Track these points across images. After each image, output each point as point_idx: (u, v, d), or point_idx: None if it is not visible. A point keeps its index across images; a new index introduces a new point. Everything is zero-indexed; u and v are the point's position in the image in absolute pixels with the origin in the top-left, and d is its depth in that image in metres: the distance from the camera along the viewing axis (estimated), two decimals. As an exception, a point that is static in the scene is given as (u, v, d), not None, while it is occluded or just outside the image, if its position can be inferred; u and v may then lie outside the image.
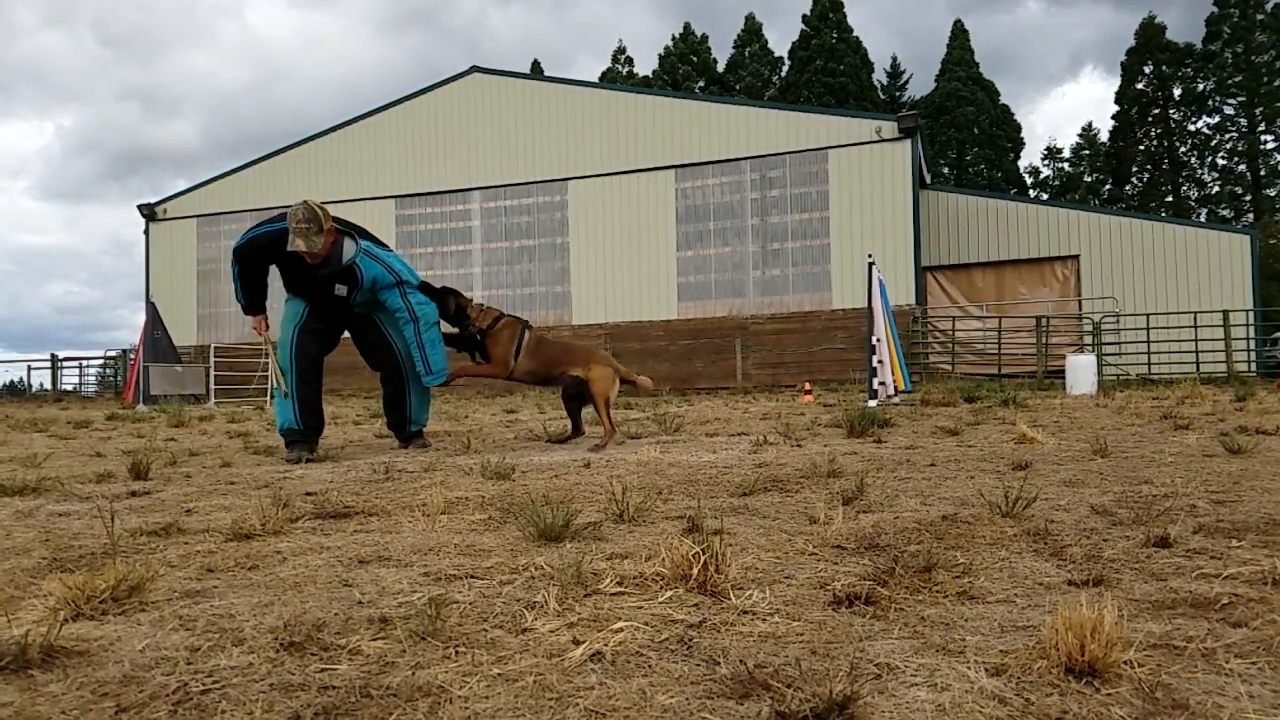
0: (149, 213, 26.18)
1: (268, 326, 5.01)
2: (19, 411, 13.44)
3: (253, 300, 4.91)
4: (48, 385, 27.11)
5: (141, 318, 19.46)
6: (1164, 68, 45.89)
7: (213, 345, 18.70)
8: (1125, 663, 1.20)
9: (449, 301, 5.08)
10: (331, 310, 4.92)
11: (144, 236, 26.27)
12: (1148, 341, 18.14)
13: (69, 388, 27.50)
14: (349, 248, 4.74)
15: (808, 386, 12.23)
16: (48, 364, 27.13)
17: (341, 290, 4.78)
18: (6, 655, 1.26)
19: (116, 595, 1.57)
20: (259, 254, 4.77)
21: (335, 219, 4.68)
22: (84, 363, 28.43)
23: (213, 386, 16.66)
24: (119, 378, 25.87)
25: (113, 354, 27.74)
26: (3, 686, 1.20)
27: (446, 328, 5.09)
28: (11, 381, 32.57)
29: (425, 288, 4.98)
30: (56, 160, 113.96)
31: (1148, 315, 18.32)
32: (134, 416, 10.23)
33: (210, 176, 25.95)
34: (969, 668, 1.21)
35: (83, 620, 1.50)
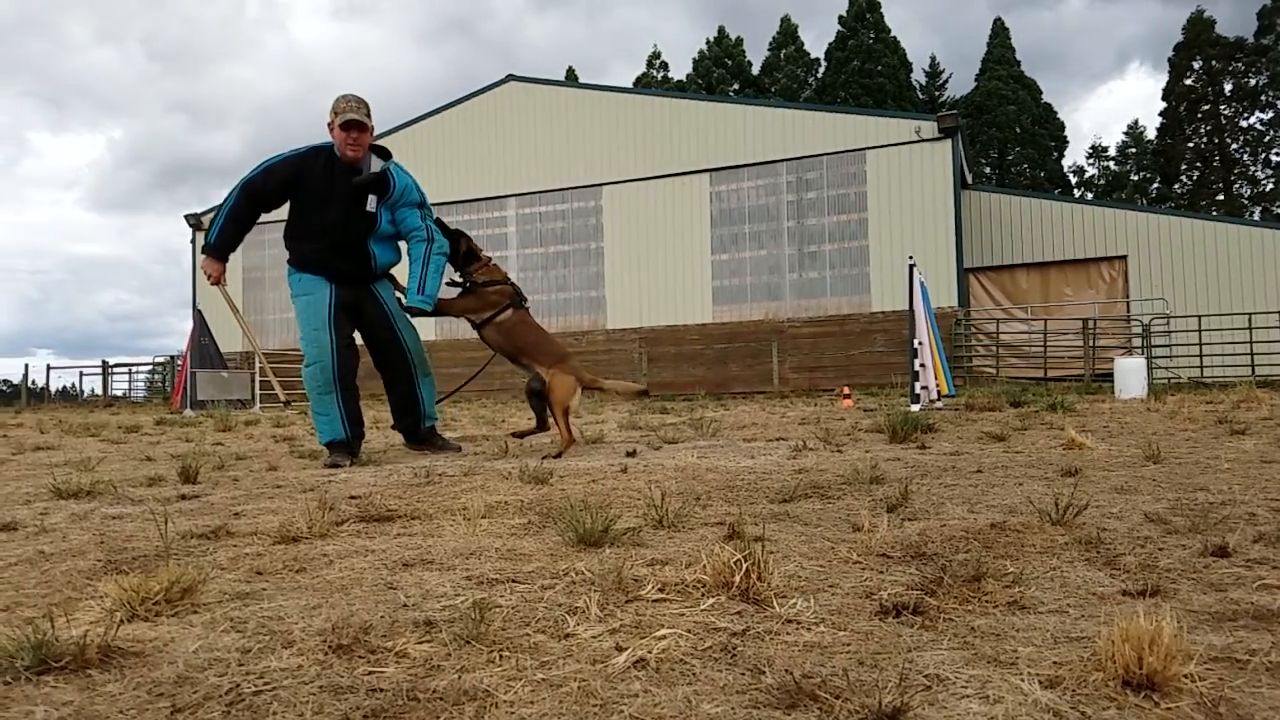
0: (195, 222, 26.70)
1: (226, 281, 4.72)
2: (71, 416, 13.79)
3: (229, 243, 4.58)
4: (99, 391, 27.77)
5: (189, 325, 19.87)
6: (1214, 63, 44.88)
7: (258, 352, 18.99)
8: (1185, 676, 1.17)
9: (460, 243, 4.97)
10: (353, 263, 4.70)
11: (190, 246, 26.81)
12: (1199, 344, 17.71)
13: (119, 393, 28.15)
14: (376, 162, 4.70)
15: (846, 390, 12.12)
16: (99, 370, 27.80)
17: (371, 204, 4.62)
18: (66, 655, 1.28)
19: (170, 597, 1.60)
20: (277, 185, 4.55)
21: None
22: (133, 369, 29.10)
23: (258, 391, 16.93)
24: (167, 383, 26.43)
25: (161, 360, 28.38)
26: (63, 686, 1.22)
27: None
28: (64, 387, 33.45)
29: (440, 224, 4.92)
30: (107, 172, 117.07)
31: (1199, 317, 17.89)
32: (182, 421, 10.44)
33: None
34: (1022, 679, 1.19)
35: (138, 621, 1.53)
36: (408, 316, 4.94)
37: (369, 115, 4.54)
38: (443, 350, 19.80)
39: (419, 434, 5.11)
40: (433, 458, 4.76)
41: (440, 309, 4.90)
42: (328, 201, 4.59)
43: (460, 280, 5.04)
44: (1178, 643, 1.19)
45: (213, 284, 4.69)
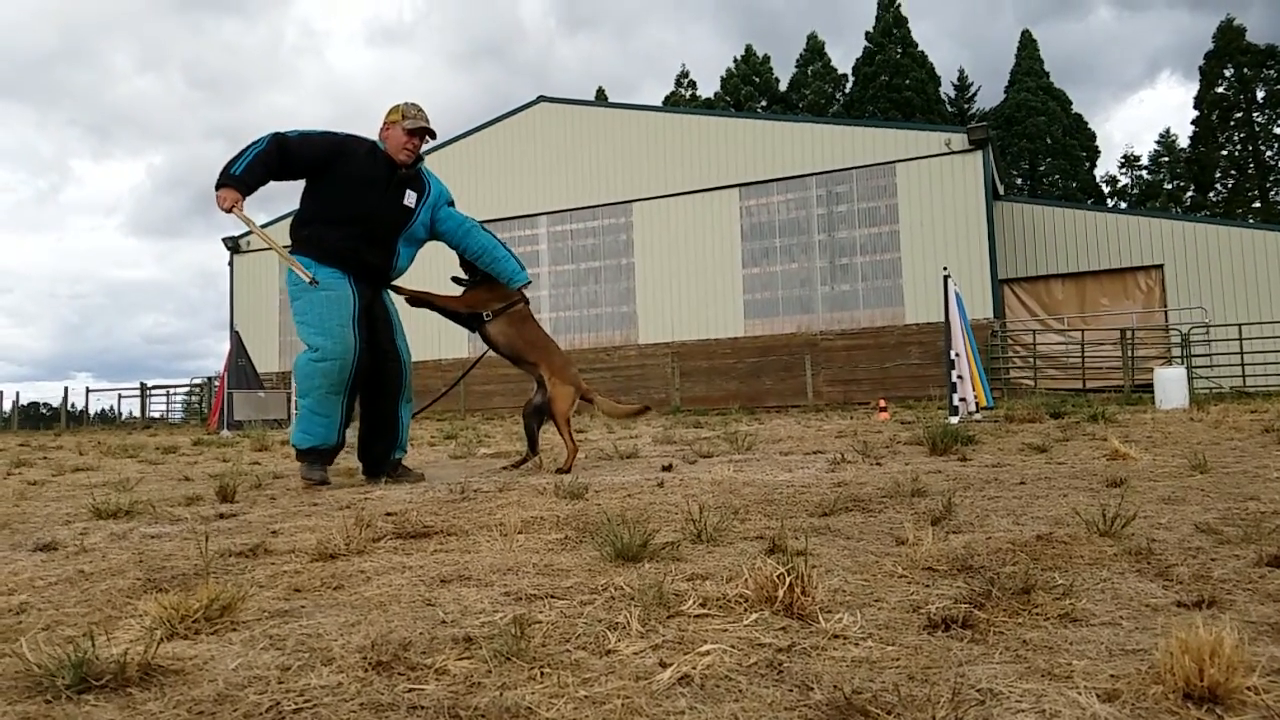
0: (233, 245, 27.19)
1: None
2: (110, 438, 14.02)
3: (255, 180, 4.22)
4: (136, 413, 28.22)
5: (226, 346, 20.17)
6: (1245, 70, 44.23)
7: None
8: (1249, 688, 1.12)
9: None
10: (380, 258, 4.53)
11: (228, 268, 27.28)
12: (1240, 353, 17.36)
13: (156, 415, 28.62)
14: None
15: (883, 403, 11.99)
16: (137, 392, 28.26)
17: (410, 199, 4.54)
18: (106, 674, 1.28)
19: (209, 615, 1.60)
20: (311, 154, 4.33)
21: None
22: (171, 390, 29.57)
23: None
24: (204, 405, 26.82)
25: (198, 382, 28.81)
26: (103, 704, 1.22)
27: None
28: (102, 410, 33.97)
29: None
30: (147, 198, 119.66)
31: (1239, 325, 17.54)
32: (219, 441, 10.57)
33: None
34: (1078, 693, 1.15)
35: (177, 639, 1.53)
36: (465, 236, 4.75)
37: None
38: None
39: (386, 464, 4.58)
40: (470, 474, 4.75)
41: (453, 308, 4.89)
42: (367, 188, 4.42)
43: (466, 279, 4.99)
44: (1239, 654, 1.15)
45: (227, 209, 4.17)
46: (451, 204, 4.83)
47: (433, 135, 4.59)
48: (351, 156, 4.41)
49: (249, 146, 4.24)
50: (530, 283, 4.82)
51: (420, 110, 4.54)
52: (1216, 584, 1.74)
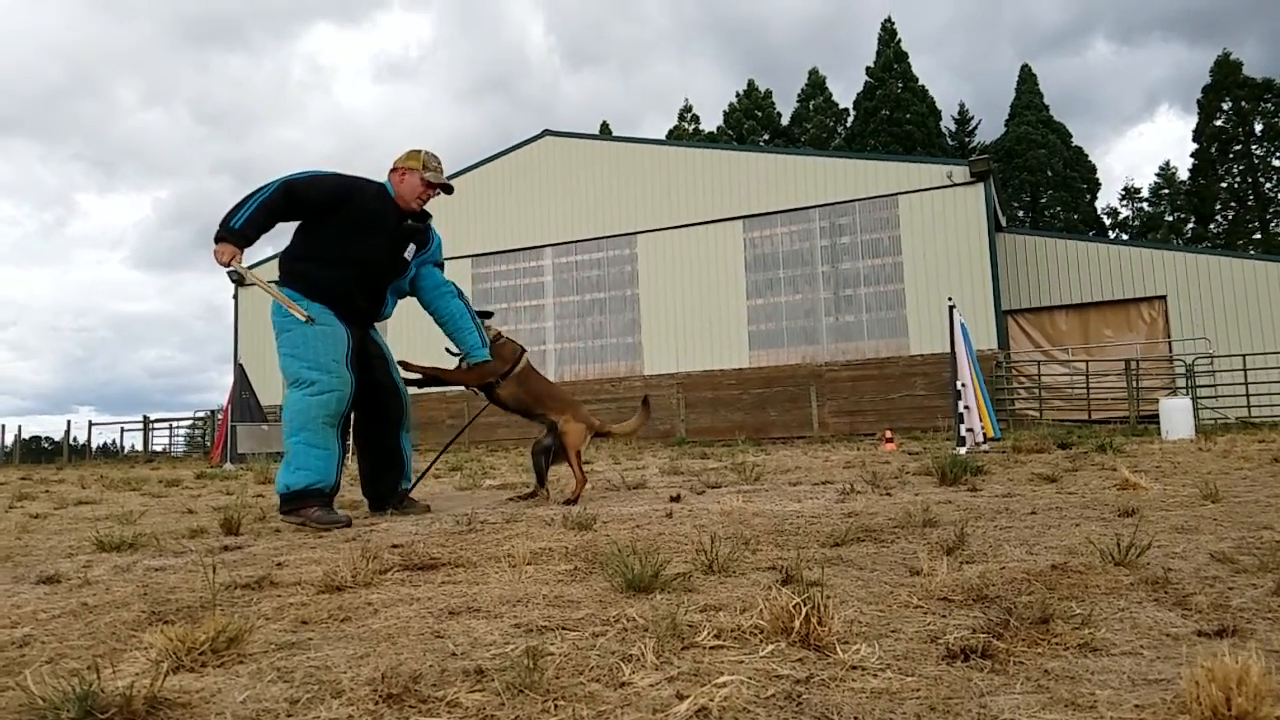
0: (238, 279, 27.28)
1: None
2: (113, 471, 13.98)
3: (256, 231, 4.10)
4: (139, 446, 28.19)
5: (230, 379, 20.18)
6: (1243, 103, 44.57)
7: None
8: (1278, 717, 1.10)
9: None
10: (370, 302, 4.47)
11: (233, 302, 27.37)
12: (1245, 383, 17.31)
13: (159, 448, 28.56)
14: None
15: (889, 434, 11.95)
16: (139, 426, 28.24)
17: (410, 252, 4.49)
18: (112, 707, 1.26)
19: (216, 647, 1.57)
20: (320, 196, 4.23)
21: None
22: (174, 424, 29.54)
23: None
24: (207, 438, 26.78)
25: (201, 415, 28.78)
26: (109, 737, 1.20)
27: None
28: (104, 443, 33.85)
29: None
30: (152, 231, 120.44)
31: (1244, 356, 17.51)
32: (222, 475, 10.54)
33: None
34: (1106, 726, 1.12)
35: (183, 672, 1.51)
36: (439, 299, 4.70)
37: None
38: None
39: (394, 496, 4.56)
40: (476, 505, 4.72)
41: (464, 381, 4.82)
42: (370, 233, 4.33)
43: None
44: (1267, 682, 1.13)
45: (225, 263, 4.10)
46: (440, 265, 4.78)
47: (449, 191, 4.57)
48: (360, 198, 4.33)
49: (254, 194, 4.14)
50: (490, 360, 4.70)
51: (440, 164, 4.52)
52: (1236, 613, 1.71)
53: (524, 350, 4.99)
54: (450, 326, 4.72)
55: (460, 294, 4.82)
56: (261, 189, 4.15)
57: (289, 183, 4.16)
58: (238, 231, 4.05)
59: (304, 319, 4.11)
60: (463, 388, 5.11)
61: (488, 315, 5.02)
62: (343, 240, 4.27)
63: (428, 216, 4.65)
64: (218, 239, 4.07)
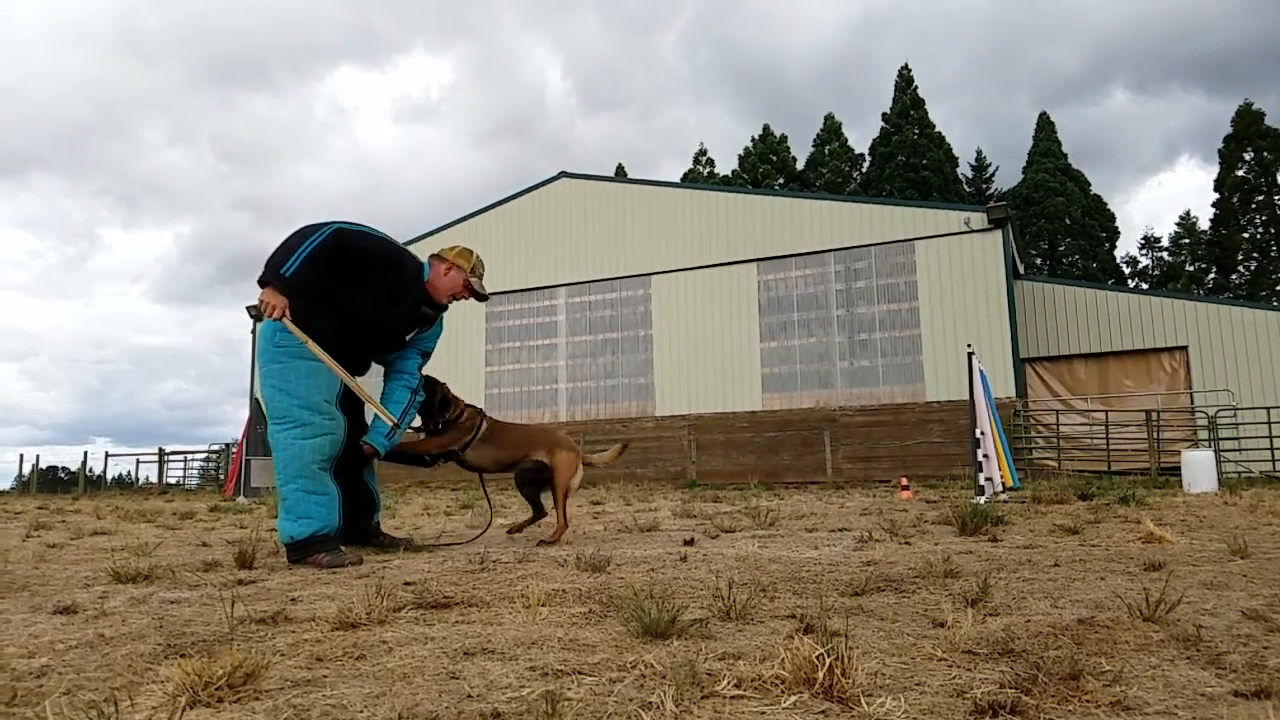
0: (256, 314, 27.53)
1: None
2: (127, 503, 14.01)
3: (303, 282, 3.96)
4: (154, 478, 28.25)
5: (245, 413, 20.27)
6: (1265, 154, 44.54)
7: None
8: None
9: (437, 392, 4.72)
10: (358, 360, 4.44)
11: (250, 336, 27.59)
12: (1270, 436, 17.08)
13: (173, 480, 28.61)
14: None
15: (905, 482, 11.83)
16: (155, 457, 28.33)
17: (410, 335, 4.50)
18: (128, 742, 1.25)
19: (232, 682, 1.56)
20: (365, 253, 4.15)
21: None
22: (188, 456, 29.62)
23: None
24: (221, 471, 26.83)
25: (216, 448, 28.87)
26: (124, 775, 1.18)
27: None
28: (120, 474, 33.90)
29: (425, 377, 4.75)
30: (173, 266, 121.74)
31: (1268, 409, 17.31)
32: (235, 508, 10.54)
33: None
34: (1143, 789, 1.09)
35: (200, 707, 1.49)
36: (396, 384, 4.59)
37: None
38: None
39: (375, 535, 4.61)
40: (488, 545, 4.69)
41: (427, 448, 4.67)
42: (391, 306, 4.30)
43: (435, 424, 4.74)
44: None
45: (276, 319, 3.97)
46: (426, 355, 4.73)
47: (483, 299, 4.62)
48: (398, 271, 4.30)
49: (306, 239, 3.96)
50: (381, 454, 4.43)
51: (484, 270, 4.62)
52: (1273, 673, 1.67)
53: (482, 413, 4.82)
54: (383, 399, 4.53)
55: (418, 389, 4.61)
56: (313, 235, 3.99)
57: (341, 231, 4.05)
58: (288, 281, 3.92)
59: (391, 424, 4.26)
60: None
61: (446, 407, 4.78)
62: (362, 301, 4.20)
63: (444, 309, 4.66)
64: (264, 282, 3.94)
